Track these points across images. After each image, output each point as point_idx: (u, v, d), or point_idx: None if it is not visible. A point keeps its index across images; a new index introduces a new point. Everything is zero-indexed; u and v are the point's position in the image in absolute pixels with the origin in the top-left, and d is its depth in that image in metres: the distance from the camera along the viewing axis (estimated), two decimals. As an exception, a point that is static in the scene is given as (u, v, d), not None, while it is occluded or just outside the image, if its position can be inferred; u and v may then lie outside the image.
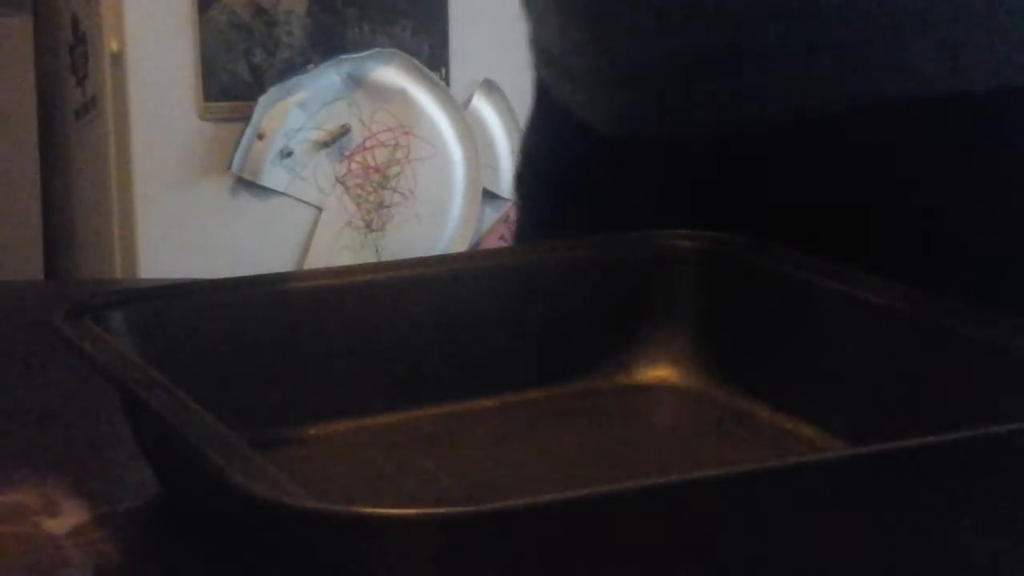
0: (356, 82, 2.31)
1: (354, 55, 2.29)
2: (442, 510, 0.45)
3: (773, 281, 0.68)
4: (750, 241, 0.70)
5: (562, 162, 0.82)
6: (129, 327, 0.63)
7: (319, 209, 2.29)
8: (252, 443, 0.50)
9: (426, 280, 0.68)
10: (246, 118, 2.22)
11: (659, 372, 0.69)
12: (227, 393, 0.61)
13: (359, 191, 2.32)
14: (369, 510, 0.44)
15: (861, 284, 0.65)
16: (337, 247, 2.32)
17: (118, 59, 2.12)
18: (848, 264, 0.66)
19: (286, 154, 2.26)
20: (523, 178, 0.90)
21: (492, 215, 2.31)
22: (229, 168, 2.22)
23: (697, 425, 0.67)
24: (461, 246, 2.23)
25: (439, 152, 2.30)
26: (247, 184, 2.25)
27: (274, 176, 2.26)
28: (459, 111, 2.30)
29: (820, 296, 0.66)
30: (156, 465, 0.60)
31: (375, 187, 2.29)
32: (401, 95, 2.27)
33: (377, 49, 2.29)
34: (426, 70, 2.27)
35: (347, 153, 2.31)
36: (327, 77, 2.28)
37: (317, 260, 2.26)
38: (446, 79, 2.29)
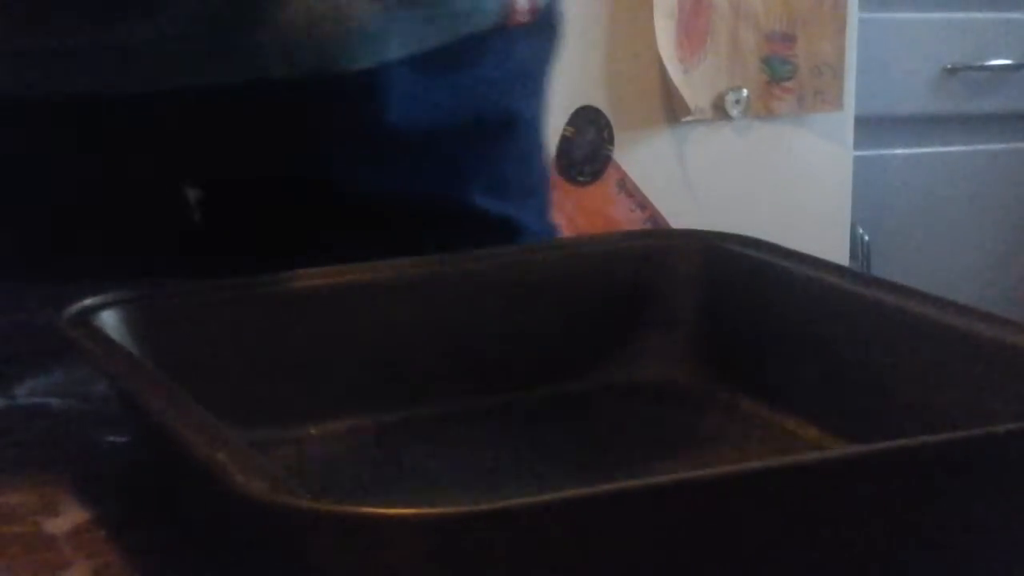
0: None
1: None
2: (442, 510, 0.44)
3: (774, 280, 0.68)
4: (751, 239, 0.70)
5: None
6: (129, 327, 0.63)
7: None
8: (252, 443, 0.50)
9: (426, 279, 0.68)
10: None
11: (659, 372, 0.69)
12: (227, 393, 0.61)
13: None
14: (369, 510, 0.44)
15: (862, 282, 0.65)
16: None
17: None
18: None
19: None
20: None
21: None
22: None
23: (697, 425, 0.66)
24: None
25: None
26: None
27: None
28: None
29: (821, 295, 0.66)
30: (156, 465, 0.60)
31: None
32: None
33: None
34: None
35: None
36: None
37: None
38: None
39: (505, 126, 0.89)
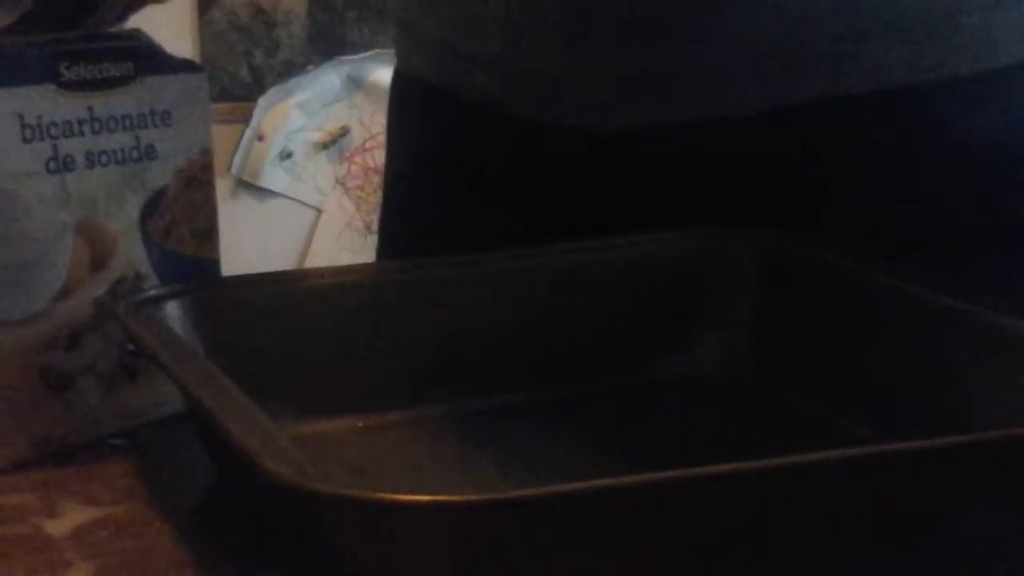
0: (356, 83, 2.30)
1: (354, 56, 2.27)
2: (458, 497, 0.44)
3: (829, 278, 0.66)
4: (806, 237, 0.69)
5: (484, 158, 0.81)
6: (190, 317, 0.62)
7: (319, 211, 2.28)
8: (300, 434, 0.53)
9: (479, 276, 0.67)
10: (246, 119, 2.20)
11: (713, 368, 0.68)
12: (282, 384, 0.61)
13: (359, 192, 2.31)
14: (388, 496, 0.44)
15: (918, 282, 0.63)
16: (337, 248, 2.31)
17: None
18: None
19: (286, 155, 2.25)
20: (414, 177, 0.88)
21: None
22: (229, 170, 2.21)
23: (749, 422, 0.65)
24: (461, 248, 2.22)
25: (439, 153, 2.30)
26: (247, 185, 2.24)
27: (274, 177, 2.25)
28: (460, 112, 2.29)
29: (877, 294, 0.64)
30: (209, 452, 0.59)
31: (375, 188, 2.28)
32: (401, 96, 2.26)
33: (376, 50, 2.29)
34: (426, 71, 2.27)
35: (347, 154, 2.30)
36: (327, 78, 2.27)
37: (317, 261, 2.26)
38: (446, 80, 2.28)
39: None
